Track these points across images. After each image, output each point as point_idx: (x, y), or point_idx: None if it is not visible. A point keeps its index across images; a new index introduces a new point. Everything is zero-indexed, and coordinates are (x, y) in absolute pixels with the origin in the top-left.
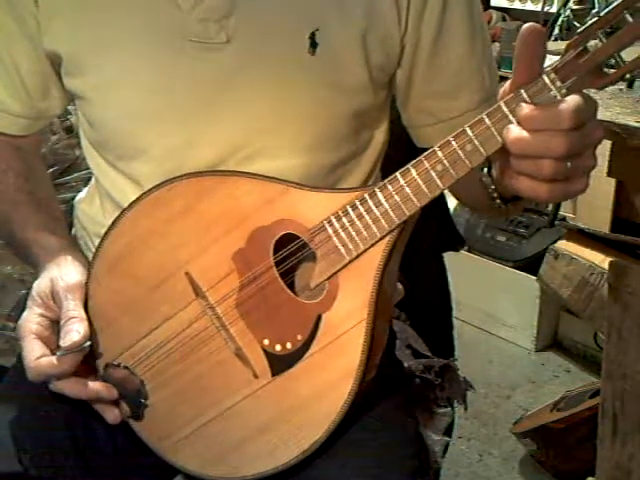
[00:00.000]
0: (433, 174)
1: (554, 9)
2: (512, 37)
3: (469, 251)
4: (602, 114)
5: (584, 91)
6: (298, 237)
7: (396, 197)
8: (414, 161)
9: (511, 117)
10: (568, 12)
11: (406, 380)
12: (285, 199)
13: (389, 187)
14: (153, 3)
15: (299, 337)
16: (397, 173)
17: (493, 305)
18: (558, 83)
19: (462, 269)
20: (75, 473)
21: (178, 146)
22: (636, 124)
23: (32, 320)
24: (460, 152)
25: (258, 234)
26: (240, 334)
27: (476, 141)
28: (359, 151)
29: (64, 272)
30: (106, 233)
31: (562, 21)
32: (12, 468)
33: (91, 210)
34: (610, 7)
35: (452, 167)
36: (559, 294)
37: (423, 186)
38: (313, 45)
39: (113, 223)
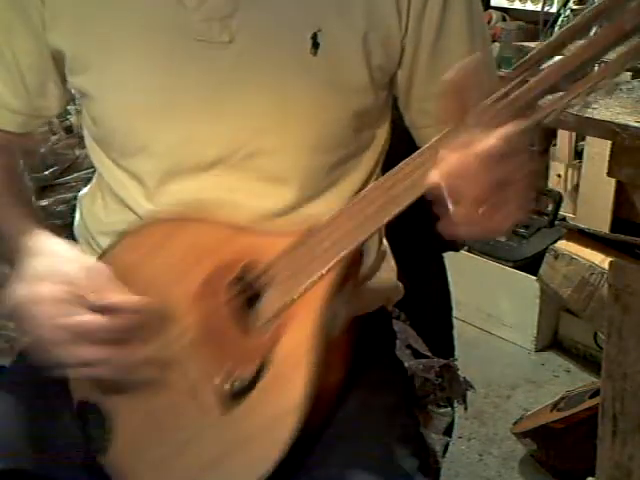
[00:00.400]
0: (370, 211)
1: (554, 9)
2: (512, 37)
3: (469, 251)
4: (602, 114)
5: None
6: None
7: (337, 234)
8: (354, 198)
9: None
10: (568, 12)
11: (406, 380)
12: (242, 240)
13: (331, 224)
14: (158, 1)
15: (247, 373)
16: (339, 210)
17: (493, 305)
18: (486, 120)
19: (462, 269)
20: (75, 472)
21: (179, 144)
22: (636, 124)
23: (56, 291)
24: (395, 190)
25: (216, 272)
26: (194, 369)
27: (408, 181)
28: (360, 151)
29: (81, 257)
30: None
31: (562, 21)
32: (11, 466)
33: (93, 207)
34: (533, 52)
35: (388, 205)
36: (559, 294)
37: (362, 223)
38: (315, 45)
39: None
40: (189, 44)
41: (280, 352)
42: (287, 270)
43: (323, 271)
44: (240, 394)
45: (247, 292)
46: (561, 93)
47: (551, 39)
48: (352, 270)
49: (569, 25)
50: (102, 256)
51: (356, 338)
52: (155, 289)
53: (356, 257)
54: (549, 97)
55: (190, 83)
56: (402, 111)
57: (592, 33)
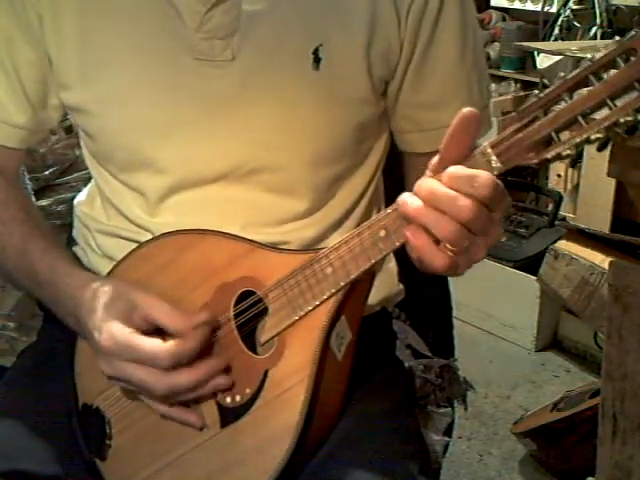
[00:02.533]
0: (376, 239)
1: (554, 9)
2: (512, 37)
3: None
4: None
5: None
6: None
7: (342, 260)
8: (361, 226)
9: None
10: (568, 12)
11: (407, 380)
12: (249, 258)
13: (337, 250)
14: (160, 20)
15: (247, 390)
16: (346, 236)
17: (493, 305)
18: (493, 157)
19: None
20: (76, 472)
21: (183, 160)
22: None
23: (126, 328)
24: (402, 220)
25: (222, 289)
26: None
27: None
28: (361, 160)
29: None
30: None
31: (562, 21)
32: (12, 467)
33: (92, 212)
34: (550, 88)
35: (394, 234)
36: (559, 294)
37: (367, 250)
38: (317, 60)
39: (107, 275)
40: (191, 62)
41: (281, 371)
42: (295, 290)
43: (326, 295)
44: (239, 410)
45: (254, 309)
46: (580, 128)
47: (573, 74)
48: (360, 293)
49: (590, 64)
50: (114, 268)
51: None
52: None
53: (364, 280)
54: (567, 132)
55: (193, 100)
56: (388, 115)
57: (610, 73)
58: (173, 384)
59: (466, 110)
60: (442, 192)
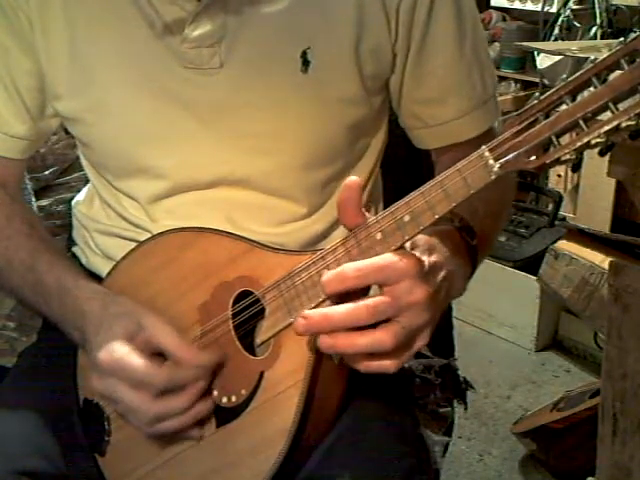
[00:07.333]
0: (373, 242)
1: (554, 9)
2: (512, 37)
3: None
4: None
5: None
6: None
7: (338, 262)
8: (358, 228)
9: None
10: (568, 12)
11: (406, 380)
12: (248, 258)
13: (333, 253)
14: (148, 29)
15: (243, 391)
16: (343, 238)
17: (493, 305)
18: (491, 161)
19: None
20: (79, 469)
21: (177, 167)
22: None
23: (126, 347)
24: (405, 218)
25: (221, 288)
26: None
27: (410, 215)
28: (355, 160)
29: (146, 316)
30: (102, 281)
31: (562, 21)
32: (16, 467)
33: (90, 212)
34: (552, 90)
35: (390, 237)
36: (559, 294)
37: (364, 253)
38: (305, 63)
39: (109, 273)
40: (180, 71)
41: (276, 374)
42: (291, 291)
43: (321, 297)
44: (234, 411)
45: (251, 309)
46: (580, 132)
47: (576, 75)
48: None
49: (593, 65)
50: (117, 265)
51: None
52: (162, 301)
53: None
54: (567, 137)
55: (184, 108)
56: (396, 112)
57: (614, 75)
58: (161, 411)
59: (348, 181)
60: (338, 315)
